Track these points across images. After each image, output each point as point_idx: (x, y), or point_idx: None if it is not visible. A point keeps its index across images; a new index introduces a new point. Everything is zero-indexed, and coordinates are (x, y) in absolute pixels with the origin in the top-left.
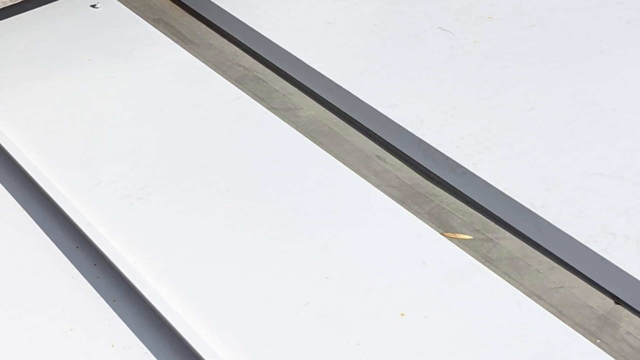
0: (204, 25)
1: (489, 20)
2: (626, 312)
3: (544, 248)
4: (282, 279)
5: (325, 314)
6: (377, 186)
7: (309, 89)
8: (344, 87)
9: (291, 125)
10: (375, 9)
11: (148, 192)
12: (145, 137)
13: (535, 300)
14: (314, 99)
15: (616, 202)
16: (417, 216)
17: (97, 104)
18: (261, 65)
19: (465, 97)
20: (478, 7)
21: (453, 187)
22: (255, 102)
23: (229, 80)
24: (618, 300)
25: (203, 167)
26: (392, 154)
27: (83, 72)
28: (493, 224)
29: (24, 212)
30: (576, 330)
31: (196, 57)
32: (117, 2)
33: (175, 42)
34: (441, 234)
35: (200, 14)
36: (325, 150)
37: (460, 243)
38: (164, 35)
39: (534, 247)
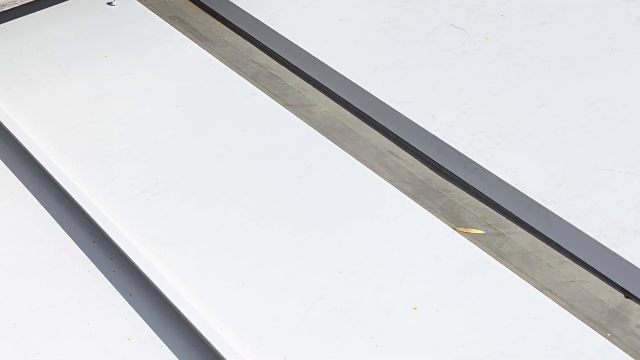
0: (219, 23)
1: (500, 17)
2: (636, 305)
3: (555, 243)
4: (297, 273)
5: (339, 308)
6: (390, 182)
7: (323, 85)
8: (357, 83)
9: (305, 122)
10: (388, 7)
11: (164, 188)
12: (161, 133)
13: (546, 294)
14: (327, 96)
15: (626, 197)
16: (429, 211)
17: (113, 100)
18: (275, 62)
19: (476, 93)
20: (489, 4)
21: (465, 182)
22: (270, 98)
23: (244, 77)
24: (628, 294)
25: (218, 163)
26: (404, 149)
27: (99, 69)
28: (504, 218)
29: (42, 207)
30: (586, 324)
31: (211, 54)
32: None
33: (191, 39)
34: (453, 228)
35: (215, 12)
36: (338, 146)
37: (472, 238)
38: (180, 33)
39: (545, 242)
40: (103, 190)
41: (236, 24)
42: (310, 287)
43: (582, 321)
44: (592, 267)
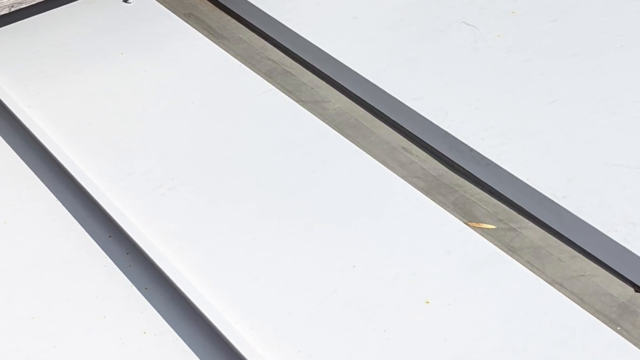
0: (233, 20)
1: (512, 14)
2: None
3: (566, 237)
4: (310, 267)
5: (351, 301)
6: (403, 177)
7: (336, 82)
8: (370, 80)
9: (319, 118)
10: (401, 4)
11: (179, 183)
12: (176, 129)
13: (557, 288)
14: (341, 92)
15: (636, 193)
16: (441, 206)
17: (129, 97)
18: (289, 59)
19: (488, 89)
20: (501, 2)
21: (477, 177)
22: (284, 95)
23: (258, 74)
24: (638, 289)
25: (233, 159)
26: (417, 145)
27: (116, 66)
28: (516, 213)
29: (58, 202)
30: (597, 317)
31: (226, 51)
32: None
33: (206, 36)
34: (465, 223)
35: (230, 9)
36: (352, 142)
37: (483, 232)
38: (195, 30)
39: (555, 237)
40: (119, 185)
41: (251, 22)
42: (323, 281)
43: (593, 315)
44: (602, 262)
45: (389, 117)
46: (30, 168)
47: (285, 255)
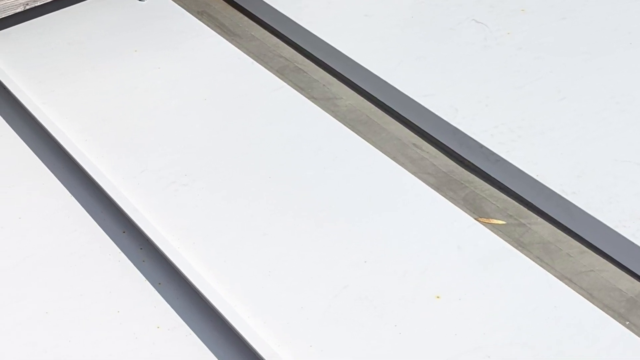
0: (246, 18)
1: (521, 12)
2: None
3: (575, 233)
4: (322, 263)
5: (363, 296)
6: (414, 173)
7: (348, 79)
8: (381, 77)
9: (330, 114)
10: (412, 2)
11: (192, 179)
12: (190, 126)
13: (566, 283)
14: (352, 89)
15: None
16: (452, 202)
17: (143, 94)
18: (301, 56)
19: (498, 87)
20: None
21: (487, 174)
22: (296, 91)
23: (271, 71)
24: None
25: (245, 155)
26: (428, 142)
27: (130, 64)
28: (525, 209)
29: (73, 198)
30: (606, 312)
31: (239, 48)
32: None
33: (219, 34)
34: (475, 219)
35: (242, 7)
36: (363, 138)
37: (493, 228)
38: (208, 28)
39: (565, 232)
40: (133, 181)
41: (263, 19)
42: (335, 276)
43: (601, 309)
44: (611, 257)
45: (399, 114)
46: (45, 164)
47: (298, 251)
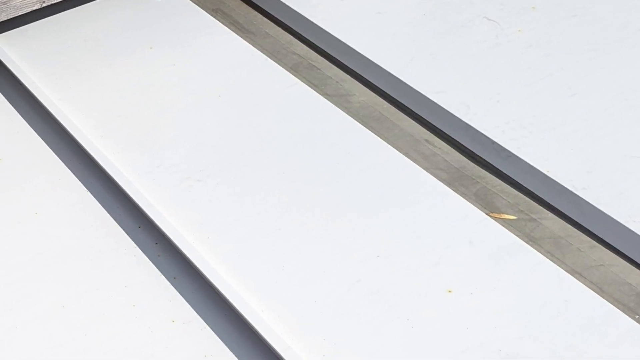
0: (260, 15)
1: (532, 10)
2: None
3: (585, 228)
4: (335, 257)
5: (376, 290)
6: (426, 169)
7: (361, 76)
8: (394, 74)
9: (343, 111)
10: (424, 0)
11: (207, 175)
12: (204, 122)
13: (576, 278)
14: (365, 86)
15: None
16: (463, 197)
17: (158, 90)
18: (315, 53)
19: (509, 83)
20: None
21: (498, 169)
22: (310, 88)
23: (284, 68)
24: None
25: (259, 151)
26: (440, 138)
27: (145, 60)
28: (536, 204)
29: (89, 193)
30: (615, 306)
31: (253, 45)
32: None
33: (233, 31)
34: (487, 214)
35: (256, 4)
36: (376, 134)
37: (505, 223)
38: (222, 25)
39: (575, 227)
40: (148, 177)
41: (277, 17)
42: (348, 270)
43: (611, 304)
44: (621, 252)
45: (412, 110)
46: (61, 160)
47: (311, 246)
